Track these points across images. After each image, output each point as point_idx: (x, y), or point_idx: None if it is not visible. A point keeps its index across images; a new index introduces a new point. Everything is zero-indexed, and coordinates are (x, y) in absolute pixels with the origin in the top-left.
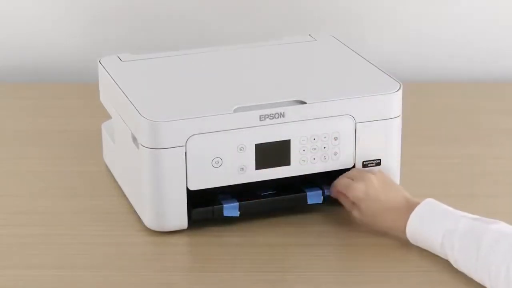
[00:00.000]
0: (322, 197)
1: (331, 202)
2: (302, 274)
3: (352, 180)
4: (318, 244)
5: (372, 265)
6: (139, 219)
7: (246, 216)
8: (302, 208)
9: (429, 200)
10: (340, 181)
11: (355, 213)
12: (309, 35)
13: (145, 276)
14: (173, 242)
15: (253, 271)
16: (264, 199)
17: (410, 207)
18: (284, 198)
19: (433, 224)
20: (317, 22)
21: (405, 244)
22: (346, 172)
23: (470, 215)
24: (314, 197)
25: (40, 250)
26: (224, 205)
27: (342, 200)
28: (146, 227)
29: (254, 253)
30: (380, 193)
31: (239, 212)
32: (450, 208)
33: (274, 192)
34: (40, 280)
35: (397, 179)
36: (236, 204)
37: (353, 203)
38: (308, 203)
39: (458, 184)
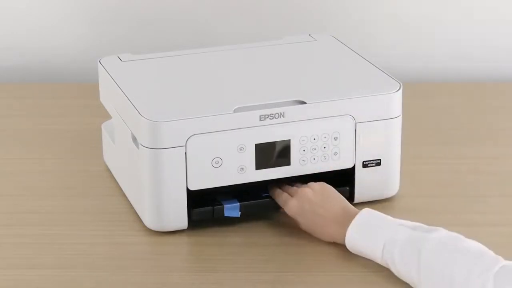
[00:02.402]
0: None
1: None
2: (302, 274)
3: (291, 196)
4: (318, 244)
5: (372, 265)
6: (139, 219)
7: (247, 216)
8: None
9: (366, 210)
10: (279, 197)
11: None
12: (309, 35)
13: (145, 276)
14: (173, 242)
15: (253, 271)
16: (265, 199)
17: (348, 218)
18: None
19: (371, 235)
20: (317, 22)
21: None
22: (287, 187)
23: (409, 223)
24: None
25: (40, 250)
26: (225, 206)
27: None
28: (146, 227)
29: (254, 253)
30: (316, 206)
31: (240, 213)
32: (389, 217)
33: None
34: (40, 280)
35: (397, 179)
36: (237, 204)
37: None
38: None
39: (458, 184)
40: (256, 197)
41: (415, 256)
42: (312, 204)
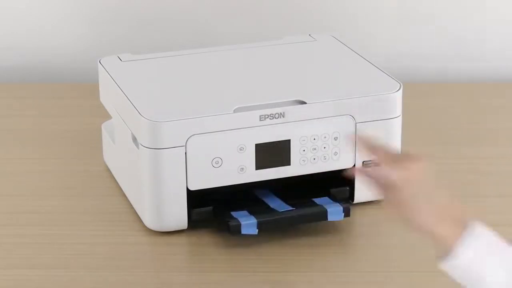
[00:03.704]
0: (342, 214)
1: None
2: (302, 274)
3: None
4: (318, 244)
5: (372, 265)
6: (139, 219)
7: (264, 234)
8: None
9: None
10: (378, 171)
11: (390, 198)
12: (309, 35)
13: (145, 276)
14: (173, 242)
15: (253, 271)
16: (282, 216)
17: (461, 224)
18: (304, 214)
19: (492, 257)
20: (317, 22)
21: (406, 244)
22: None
23: None
24: (334, 214)
25: (40, 250)
26: (242, 223)
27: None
28: (146, 227)
29: (254, 253)
30: (433, 187)
31: (257, 230)
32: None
33: (293, 209)
34: (40, 280)
35: None
36: (255, 221)
37: (388, 188)
38: (328, 220)
39: (458, 184)
40: (273, 213)
41: None
42: (429, 182)
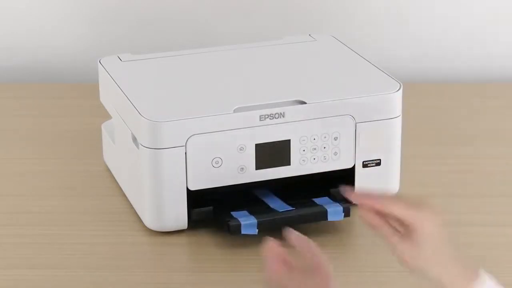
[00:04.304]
0: (342, 214)
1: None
2: None
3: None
4: (318, 244)
5: (372, 265)
6: (139, 219)
7: (264, 234)
8: None
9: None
10: (398, 204)
11: (404, 246)
12: (309, 35)
13: (145, 276)
14: (173, 242)
15: (253, 271)
16: (282, 216)
17: (471, 273)
18: (304, 214)
19: None
20: (317, 22)
21: None
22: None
23: None
24: (334, 214)
25: (40, 250)
26: (242, 223)
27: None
28: (146, 227)
29: (254, 253)
30: (447, 237)
31: (257, 230)
32: None
33: (293, 209)
34: (40, 280)
35: (397, 179)
36: (255, 221)
37: (404, 234)
38: (328, 220)
39: (458, 184)
40: (270, 210)
41: None
42: (443, 232)
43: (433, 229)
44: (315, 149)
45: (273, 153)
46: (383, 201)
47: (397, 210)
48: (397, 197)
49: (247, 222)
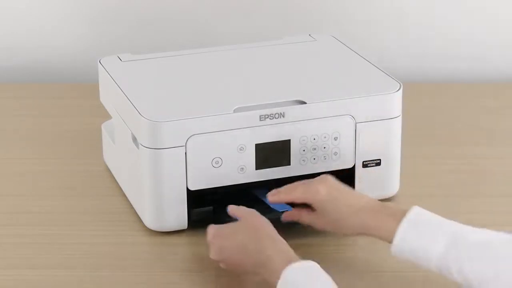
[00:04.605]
0: None
1: None
2: None
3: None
4: (318, 244)
5: (372, 266)
6: (139, 219)
7: None
8: None
9: (417, 207)
10: (295, 189)
11: (316, 221)
12: (309, 35)
13: (145, 276)
14: (173, 242)
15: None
16: (279, 215)
17: (386, 209)
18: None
19: (430, 232)
20: (317, 22)
21: None
22: (290, 184)
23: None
24: None
25: (40, 250)
26: None
27: (298, 215)
28: (146, 227)
29: None
30: (345, 193)
31: None
32: (441, 218)
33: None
34: (40, 280)
35: (397, 179)
36: None
37: (310, 212)
38: None
39: (458, 184)
40: (270, 210)
41: (491, 257)
42: (341, 191)
43: (327, 192)
44: (315, 149)
45: (273, 153)
46: (287, 192)
47: (297, 194)
48: (296, 183)
49: None
